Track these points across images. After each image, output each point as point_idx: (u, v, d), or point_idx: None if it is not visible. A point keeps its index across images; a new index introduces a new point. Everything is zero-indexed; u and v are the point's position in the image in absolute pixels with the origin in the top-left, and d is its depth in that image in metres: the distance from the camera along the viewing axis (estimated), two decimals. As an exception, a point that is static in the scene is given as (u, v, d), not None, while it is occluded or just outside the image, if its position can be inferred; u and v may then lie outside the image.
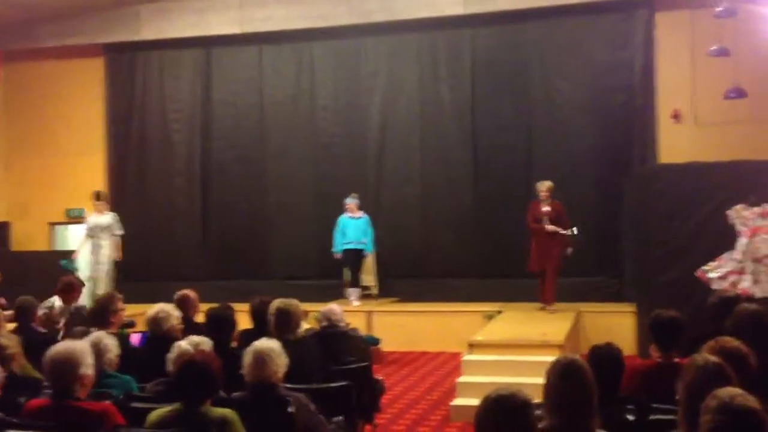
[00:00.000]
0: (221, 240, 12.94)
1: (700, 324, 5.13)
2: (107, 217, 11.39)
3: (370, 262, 11.86)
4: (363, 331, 10.24)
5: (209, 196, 13.15)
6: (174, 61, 13.26)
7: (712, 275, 9.05)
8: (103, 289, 10.89)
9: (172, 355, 4.39)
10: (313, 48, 12.66)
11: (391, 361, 10.07)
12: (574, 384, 3.09)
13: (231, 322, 5.56)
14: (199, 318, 6.44)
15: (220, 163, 13.10)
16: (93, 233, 11.39)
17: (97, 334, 4.79)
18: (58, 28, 12.95)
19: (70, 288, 7.91)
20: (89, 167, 13.30)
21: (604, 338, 4.35)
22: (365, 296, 11.72)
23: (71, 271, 11.22)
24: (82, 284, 8.70)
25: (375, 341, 10.05)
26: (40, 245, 13.37)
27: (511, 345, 8.14)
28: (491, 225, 11.67)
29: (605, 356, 3.84)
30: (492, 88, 11.93)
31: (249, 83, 12.96)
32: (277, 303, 5.40)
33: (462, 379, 7.79)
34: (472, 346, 8.22)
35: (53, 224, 13.73)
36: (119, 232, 11.50)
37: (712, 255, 9.06)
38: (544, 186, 9.97)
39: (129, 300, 7.66)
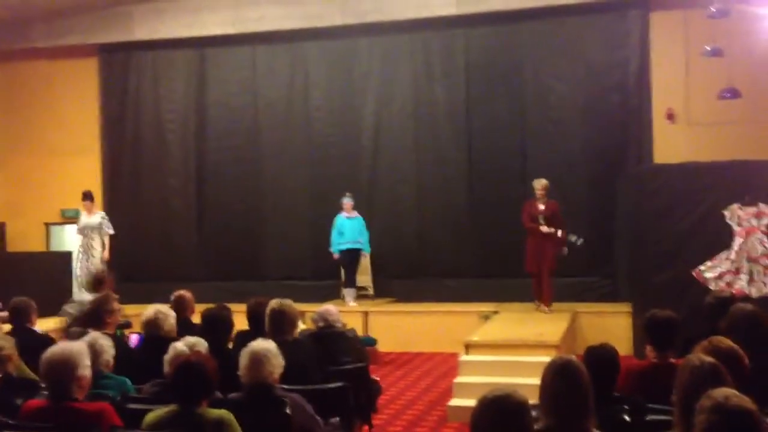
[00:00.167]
0: (217, 241, 12.92)
1: (695, 324, 5.16)
2: (96, 217, 11.42)
3: (365, 262, 11.87)
4: (360, 331, 10.26)
5: (204, 196, 13.14)
6: (168, 61, 13.24)
7: (708, 275, 9.08)
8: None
9: (168, 357, 4.39)
10: (306, 48, 12.66)
11: (387, 362, 10.08)
12: (569, 384, 3.10)
13: (227, 323, 5.55)
14: (195, 319, 6.44)
15: (214, 163, 13.08)
16: (83, 233, 11.43)
17: (93, 335, 4.79)
18: (52, 28, 12.92)
19: (102, 282, 7.80)
20: (84, 167, 13.27)
21: (600, 338, 4.37)
22: (361, 297, 11.73)
23: None
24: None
25: (372, 342, 10.07)
26: (35, 246, 13.33)
27: (507, 345, 8.16)
28: (486, 225, 11.68)
29: (601, 357, 3.85)
30: (486, 89, 11.94)
31: (243, 84, 12.95)
32: (272, 304, 5.40)
33: (459, 379, 7.80)
34: (469, 347, 8.23)
35: (48, 224, 13.70)
36: (110, 231, 11.52)
37: (707, 255, 9.09)
38: (540, 184, 9.99)
39: (125, 301, 7.65)
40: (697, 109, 10.90)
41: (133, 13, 12.73)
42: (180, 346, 4.44)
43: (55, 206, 13.27)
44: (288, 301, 5.47)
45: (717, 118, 10.56)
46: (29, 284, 10.35)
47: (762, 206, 8.99)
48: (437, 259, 11.94)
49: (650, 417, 3.71)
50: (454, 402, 7.44)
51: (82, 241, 11.51)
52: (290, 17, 12.23)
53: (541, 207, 9.93)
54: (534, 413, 3.12)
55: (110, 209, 13.30)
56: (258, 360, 4.15)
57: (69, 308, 7.63)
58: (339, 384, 4.94)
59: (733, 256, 9.06)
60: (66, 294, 11.06)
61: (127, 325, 6.59)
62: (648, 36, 11.31)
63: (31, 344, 5.14)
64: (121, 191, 13.40)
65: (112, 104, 13.48)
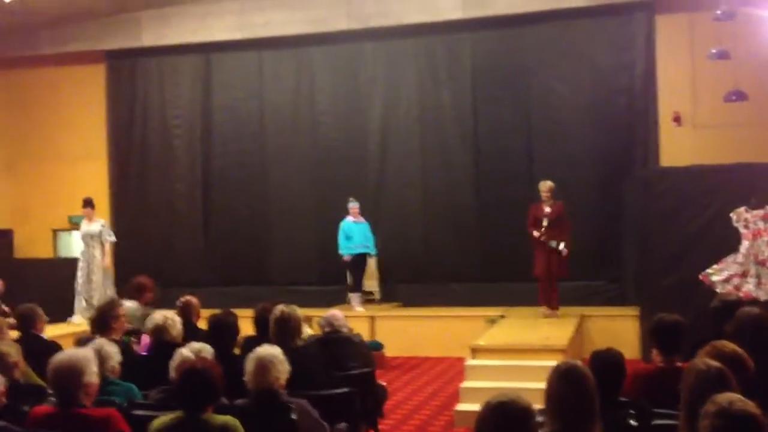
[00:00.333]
0: (223, 245, 12.95)
1: (702, 328, 5.14)
2: (96, 225, 11.26)
3: (372, 266, 11.86)
4: (366, 336, 10.26)
5: (210, 201, 13.18)
6: (174, 66, 13.30)
7: (715, 278, 9.05)
8: (97, 298, 10.84)
9: (174, 363, 4.40)
10: (312, 53, 12.69)
11: (394, 367, 10.07)
12: (574, 389, 3.10)
13: (233, 329, 5.56)
14: (202, 324, 6.45)
15: (220, 168, 13.12)
16: (84, 242, 11.30)
17: (99, 341, 4.80)
18: (59, 34, 12.99)
19: (143, 288, 7.68)
20: (91, 173, 13.33)
21: (607, 342, 4.36)
22: (367, 301, 11.73)
23: None
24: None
25: (378, 346, 10.06)
26: (43, 252, 13.40)
27: (514, 350, 8.14)
28: (493, 228, 11.67)
29: (607, 361, 3.84)
30: (492, 92, 11.94)
31: (249, 88, 12.99)
32: (276, 312, 5.41)
33: (465, 384, 7.78)
34: (475, 351, 8.21)
35: (56, 231, 13.75)
36: (110, 239, 11.36)
37: (715, 258, 9.05)
38: (545, 186, 9.94)
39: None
40: (704, 111, 10.87)
41: (139, 20, 12.79)
42: (186, 352, 4.44)
43: (62, 212, 13.31)
44: (292, 308, 5.47)
45: (723, 121, 10.53)
46: (37, 290, 10.40)
47: (769, 209, 8.95)
48: (443, 262, 11.92)
49: (657, 422, 3.70)
50: (461, 407, 7.43)
51: (83, 249, 11.37)
52: (296, 22, 12.26)
53: (547, 209, 9.89)
54: (540, 418, 3.12)
55: (117, 215, 13.41)
56: (264, 366, 4.15)
57: None
58: (345, 389, 4.94)
59: (740, 259, 9.02)
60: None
61: (135, 332, 6.57)
62: (654, 39, 11.29)
63: (38, 351, 5.16)
64: (128, 197, 13.45)
65: (119, 110, 13.54)
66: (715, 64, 9.64)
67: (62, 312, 11.15)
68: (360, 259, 11.47)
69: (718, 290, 8.80)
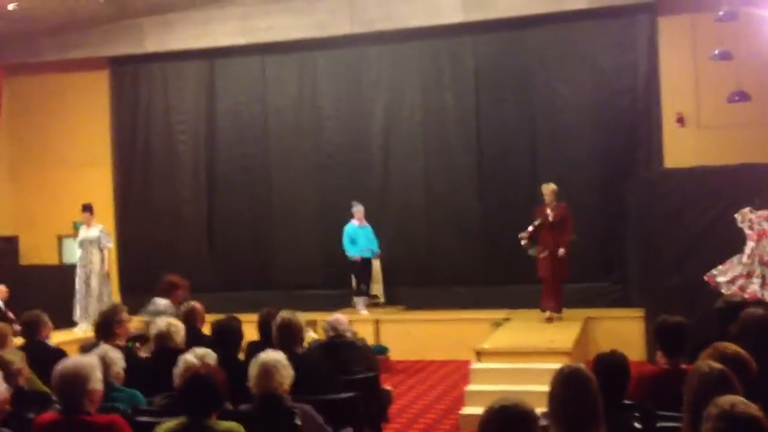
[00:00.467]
0: (227, 250, 12.96)
1: (707, 329, 5.13)
2: (95, 230, 11.22)
3: (377, 270, 11.86)
4: (371, 340, 10.27)
5: (215, 206, 13.19)
6: (178, 72, 13.32)
7: (720, 279, 9.04)
8: (93, 305, 10.83)
9: (177, 369, 4.40)
10: (315, 57, 12.70)
11: (399, 370, 10.07)
12: (578, 392, 3.09)
13: (237, 334, 5.57)
14: (206, 329, 6.46)
15: (225, 173, 13.14)
16: (83, 247, 11.24)
17: (103, 348, 4.81)
18: (62, 41, 13.02)
19: (174, 286, 7.63)
20: (95, 179, 13.35)
21: (612, 344, 4.35)
22: (372, 305, 11.73)
23: None
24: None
25: (383, 350, 10.07)
26: (48, 258, 13.42)
27: (519, 353, 8.15)
28: (497, 231, 11.64)
29: (611, 364, 3.83)
30: (495, 94, 11.94)
31: (252, 93, 13.01)
32: (278, 319, 5.41)
33: (471, 387, 7.78)
34: (480, 354, 8.21)
35: (61, 237, 13.77)
36: (108, 245, 11.32)
37: (719, 259, 9.05)
38: (548, 189, 9.91)
39: (133, 312, 7.67)
40: (707, 112, 10.85)
41: (142, 26, 12.81)
42: (189, 357, 4.45)
43: (67, 219, 13.32)
44: (294, 314, 5.47)
45: (726, 122, 10.51)
46: (42, 297, 10.42)
47: (773, 209, 8.94)
48: (447, 265, 11.92)
49: (661, 424, 3.69)
50: (466, 410, 7.43)
51: (81, 254, 11.31)
52: (299, 27, 12.27)
53: (550, 212, 9.81)
54: (544, 421, 3.12)
55: (121, 221, 13.45)
56: (267, 371, 4.16)
57: (145, 314, 7.45)
58: (349, 394, 4.93)
59: (745, 259, 9.01)
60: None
61: (140, 337, 6.57)
62: (656, 40, 11.28)
63: (43, 357, 5.17)
64: (132, 202, 13.48)
65: (123, 116, 13.57)
66: (718, 65, 9.63)
67: (67, 318, 11.18)
68: (364, 263, 11.49)
69: (723, 291, 8.77)
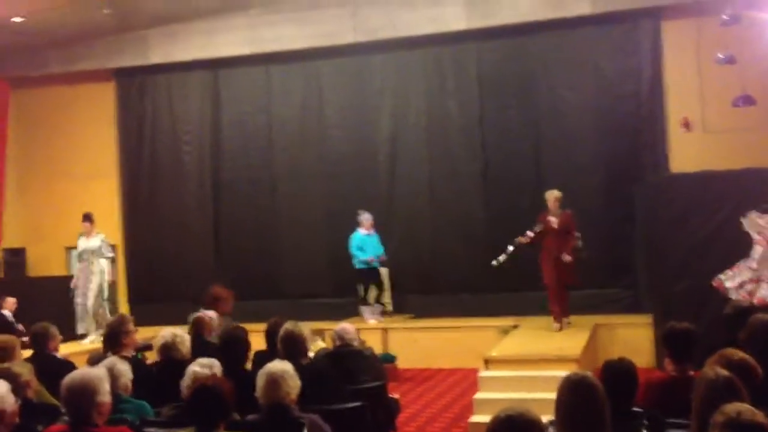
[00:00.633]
0: (234, 260, 12.96)
1: (715, 335, 5.11)
2: (96, 240, 11.05)
3: (384, 278, 11.83)
4: (379, 348, 10.26)
5: (220, 216, 13.22)
6: (183, 83, 13.37)
7: (728, 284, 8.99)
8: (98, 314, 10.79)
9: (184, 380, 4.41)
10: (320, 66, 12.73)
11: (407, 379, 10.05)
12: (585, 400, 3.09)
13: (244, 344, 5.57)
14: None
15: (230, 183, 13.17)
16: (83, 258, 11.05)
17: (111, 360, 4.83)
18: (67, 54, 13.08)
19: (219, 298, 7.74)
20: (102, 191, 13.41)
21: (621, 351, 4.36)
22: (382, 313, 11.69)
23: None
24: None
25: (391, 359, 10.06)
26: (56, 270, 13.45)
27: (527, 360, 8.12)
28: (503, 237, 11.52)
29: (618, 371, 3.82)
30: (499, 101, 11.95)
31: (257, 103, 13.05)
32: (281, 332, 5.42)
33: (479, 395, 7.76)
34: (488, 362, 8.19)
35: (69, 248, 13.80)
36: (109, 254, 11.17)
37: (727, 264, 9.01)
38: (552, 195, 9.81)
39: (141, 322, 7.71)
40: (712, 116, 10.83)
41: (147, 37, 12.86)
42: (196, 368, 4.46)
43: (74, 230, 13.25)
44: (298, 325, 5.48)
45: (731, 126, 10.48)
46: (50, 308, 10.46)
47: (780, 213, 8.91)
48: (454, 272, 11.89)
49: (669, 431, 3.68)
50: (475, 418, 7.41)
51: (81, 265, 11.07)
52: (303, 36, 12.30)
53: (553, 219, 9.74)
54: (551, 429, 3.11)
55: (128, 231, 13.49)
56: (275, 381, 4.16)
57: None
58: (357, 403, 4.93)
59: (753, 264, 8.97)
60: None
61: (149, 347, 6.58)
62: (660, 45, 11.27)
63: (52, 369, 5.19)
64: (139, 213, 13.52)
65: (129, 127, 13.62)
66: (723, 69, 9.61)
67: (75, 330, 11.19)
68: (372, 272, 11.48)
69: (731, 296, 8.73)
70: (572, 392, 3.11)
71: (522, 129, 11.85)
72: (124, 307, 12.91)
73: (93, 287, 10.94)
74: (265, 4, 12.30)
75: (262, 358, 5.44)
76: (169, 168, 13.41)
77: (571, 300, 10.06)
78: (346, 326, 6.28)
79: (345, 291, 11.96)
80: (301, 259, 12.61)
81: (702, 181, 9.39)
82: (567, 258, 9.62)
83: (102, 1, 11.39)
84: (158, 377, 5.30)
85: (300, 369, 4.43)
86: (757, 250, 8.93)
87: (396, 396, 6.71)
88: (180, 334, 5.56)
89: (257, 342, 6.01)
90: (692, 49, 10.96)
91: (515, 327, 10.37)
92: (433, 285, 11.98)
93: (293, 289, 12.49)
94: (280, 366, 4.25)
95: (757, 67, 9.81)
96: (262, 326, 6.29)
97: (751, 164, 9.38)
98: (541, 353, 8.24)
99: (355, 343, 6.27)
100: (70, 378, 3.98)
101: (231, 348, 5.45)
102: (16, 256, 13.42)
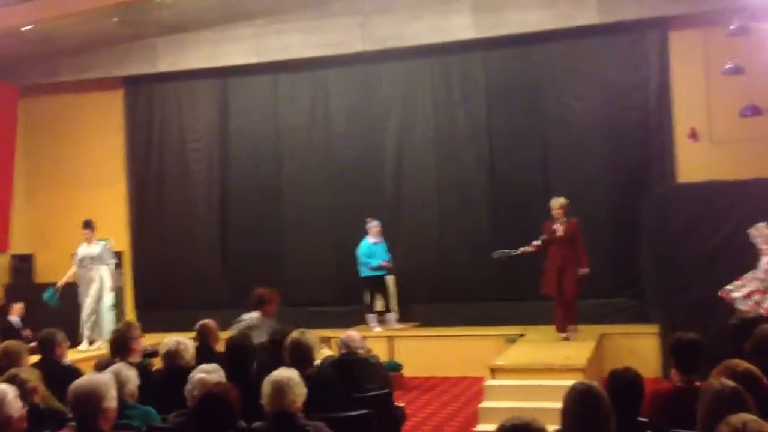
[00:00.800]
0: (241, 268, 12.97)
1: (722, 345, 5.10)
2: (97, 247, 10.91)
3: (391, 287, 11.83)
4: (385, 356, 10.26)
5: (228, 223, 13.26)
6: (191, 91, 13.43)
7: (735, 295, 8.93)
8: (104, 322, 10.77)
9: (188, 387, 4.42)
10: (328, 75, 12.78)
11: (413, 387, 10.05)
12: (590, 409, 3.09)
13: (250, 352, 5.58)
14: (220, 347, 6.47)
15: (238, 191, 13.21)
16: (83, 264, 10.88)
17: (118, 366, 4.84)
18: (76, 61, 13.15)
19: (263, 300, 7.74)
20: (110, 198, 13.46)
21: (628, 361, 4.34)
22: (385, 321, 11.69)
23: (52, 305, 10.85)
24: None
25: (397, 367, 10.05)
26: (63, 276, 13.45)
27: (533, 369, 8.11)
28: (509, 247, 11.56)
29: (624, 381, 3.81)
30: (506, 110, 11.96)
31: (265, 111, 13.09)
32: (289, 339, 5.42)
33: (485, 404, 7.75)
34: (494, 371, 8.18)
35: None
36: (111, 261, 11.05)
37: (734, 274, 8.95)
38: (557, 203, 9.73)
39: (148, 329, 7.72)
40: (719, 127, 10.82)
41: (155, 46, 12.92)
42: (201, 375, 4.47)
43: (82, 237, 13.41)
44: (305, 333, 5.48)
45: (739, 136, 10.47)
46: (57, 314, 10.49)
47: (788, 225, 8.85)
48: (460, 281, 11.88)
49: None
50: (480, 427, 7.40)
51: (81, 273, 10.93)
52: (311, 45, 12.34)
53: (558, 227, 9.66)
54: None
55: (136, 239, 13.53)
56: (280, 388, 4.16)
57: (233, 329, 7.49)
58: (362, 411, 4.93)
59: (761, 275, 8.90)
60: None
61: (155, 353, 6.59)
62: (667, 55, 11.28)
63: (58, 376, 5.21)
64: (147, 220, 13.57)
65: (138, 135, 13.68)
66: (730, 80, 9.62)
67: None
68: (379, 280, 11.48)
69: (738, 307, 8.70)
70: (578, 402, 3.11)
71: (529, 138, 11.86)
72: (131, 314, 12.93)
73: (92, 293, 10.85)
74: (273, 14, 12.34)
75: (268, 365, 5.44)
76: (177, 176, 13.46)
77: (578, 309, 10.03)
78: (352, 334, 6.28)
79: (351, 299, 11.97)
80: (308, 267, 12.62)
81: (709, 192, 9.38)
82: (584, 271, 9.54)
83: (111, 11, 11.45)
84: (162, 384, 5.31)
85: (306, 376, 4.43)
86: (765, 261, 8.87)
87: (402, 404, 6.69)
88: (183, 341, 5.57)
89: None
90: (699, 60, 10.97)
91: (521, 336, 10.35)
92: (439, 293, 11.97)
93: (299, 297, 12.46)
94: (286, 374, 4.25)
95: (765, 78, 9.80)
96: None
97: (759, 174, 9.36)
98: (547, 362, 8.22)
99: (361, 351, 6.27)
100: (76, 384, 3.99)
101: (237, 356, 5.46)
102: (24, 262, 13.47)
